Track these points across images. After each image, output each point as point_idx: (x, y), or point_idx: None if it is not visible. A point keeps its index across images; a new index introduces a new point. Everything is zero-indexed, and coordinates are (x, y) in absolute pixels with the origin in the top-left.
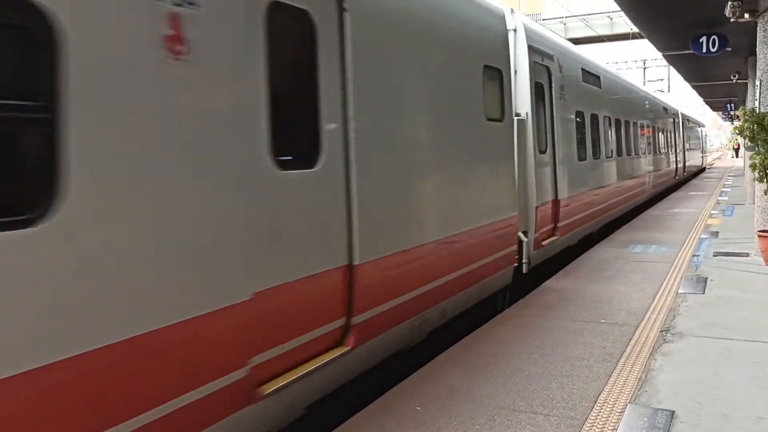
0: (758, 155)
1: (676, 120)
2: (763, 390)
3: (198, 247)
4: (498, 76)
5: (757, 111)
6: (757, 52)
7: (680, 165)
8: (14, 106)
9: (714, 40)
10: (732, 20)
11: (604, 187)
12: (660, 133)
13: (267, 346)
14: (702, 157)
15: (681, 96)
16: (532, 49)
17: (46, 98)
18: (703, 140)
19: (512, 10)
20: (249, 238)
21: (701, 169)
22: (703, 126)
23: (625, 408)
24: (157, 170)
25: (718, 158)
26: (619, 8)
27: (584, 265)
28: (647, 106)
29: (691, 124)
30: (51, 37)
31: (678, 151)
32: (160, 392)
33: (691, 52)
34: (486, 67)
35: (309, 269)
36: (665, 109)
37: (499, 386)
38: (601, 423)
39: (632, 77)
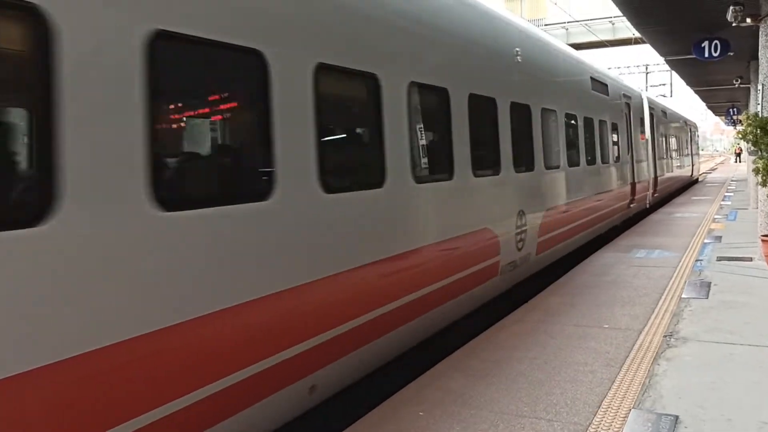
0: (761, 159)
1: (635, 109)
2: None
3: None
4: None
5: (760, 115)
6: (759, 57)
7: (641, 182)
8: None
9: (716, 44)
10: (734, 24)
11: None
12: (588, 131)
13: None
14: (692, 165)
15: (684, 100)
16: None
17: None
18: (694, 142)
19: None
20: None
21: (691, 182)
22: (693, 124)
23: (629, 413)
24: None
25: (721, 163)
26: (621, 13)
27: (587, 270)
28: (543, 73)
29: (670, 119)
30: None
31: (639, 160)
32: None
33: (693, 56)
34: None
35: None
36: (602, 84)
37: (502, 392)
38: (604, 428)
39: (632, 80)
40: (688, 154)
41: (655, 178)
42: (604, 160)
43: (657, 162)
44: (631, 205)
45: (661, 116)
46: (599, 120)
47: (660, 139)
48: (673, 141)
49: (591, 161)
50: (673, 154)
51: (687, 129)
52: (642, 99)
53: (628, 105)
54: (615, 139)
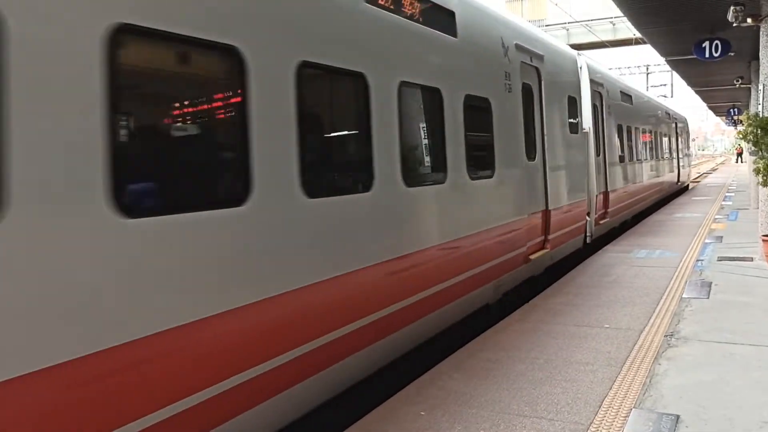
0: (762, 159)
1: (555, 81)
2: None
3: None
4: None
5: (761, 115)
6: (760, 57)
7: (567, 206)
8: None
9: (717, 44)
10: (734, 25)
11: None
12: (352, 110)
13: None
14: (678, 169)
15: (685, 101)
16: None
17: None
18: (682, 139)
19: None
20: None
21: (676, 191)
22: (681, 118)
23: (630, 412)
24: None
25: (722, 164)
26: (622, 14)
27: (588, 270)
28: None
29: (639, 106)
30: None
31: (563, 167)
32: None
33: (694, 57)
34: None
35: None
36: (428, 3)
37: (503, 391)
38: (605, 428)
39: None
40: (672, 156)
41: (606, 193)
42: (437, 176)
43: (610, 168)
44: (533, 256)
45: (620, 99)
46: (405, 82)
47: (617, 133)
48: (645, 137)
49: (363, 182)
50: (645, 155)
51: (671, 122)
52: (576, 66)
53: (535, 71)
54: (485, 131)
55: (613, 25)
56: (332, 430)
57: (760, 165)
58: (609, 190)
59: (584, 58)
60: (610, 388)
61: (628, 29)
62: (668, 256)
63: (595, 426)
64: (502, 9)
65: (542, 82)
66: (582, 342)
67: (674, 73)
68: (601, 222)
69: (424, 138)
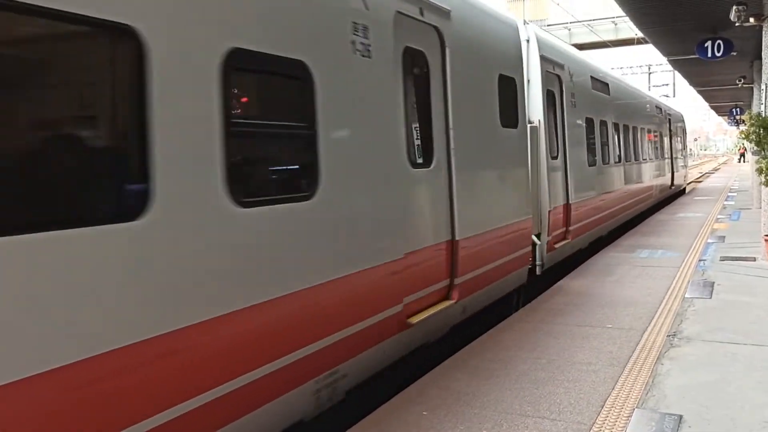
0: (764, 159)
1: (477, 51)
2: None
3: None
4: None
5: (763, 115)
6: (763, 56)
7: (484, 235)
8: None
9: (719, 44)
10: (737, 24)
11: None
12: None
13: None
14: (671, 172)
15: (687, 100)
16: None
17: None
18: (676, 138)
19: None
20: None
21: (670, 195)
22: (675, 115)
23: (633, 412)
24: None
25: (724, 163)
26: (623, 13)
27: (590, 270)
28: None
29: (618, 98)
30: None
31: (506, 182)
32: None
33: (696, 56)
34: None
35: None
36: None
37: (505, 391)
38: (608, 428)
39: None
40: (664, 156)
41: (567, 206)
42: (119, 206)
43: (573, 174)
44: (417, 318)
45: (590, 87)
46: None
47: (586, 129)
48: (627, 134)
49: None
50: (628, 156)
51: (663, 118)
52: (517, 37)
53: (435, 32)
54: (294, 119)
55: (615, 24)
56: (334, 430)
57: (762, 165)
58: (572, 202)
59: (533, 28)
60: (613, 388)
61: (630, 29)
62: (670, 255)
63: (597, 426)
64: (503, 10)
65: (447, 50)
66: (584, 342)
67: (676, 72)
68: (557, 245)
69: (75, 131)
